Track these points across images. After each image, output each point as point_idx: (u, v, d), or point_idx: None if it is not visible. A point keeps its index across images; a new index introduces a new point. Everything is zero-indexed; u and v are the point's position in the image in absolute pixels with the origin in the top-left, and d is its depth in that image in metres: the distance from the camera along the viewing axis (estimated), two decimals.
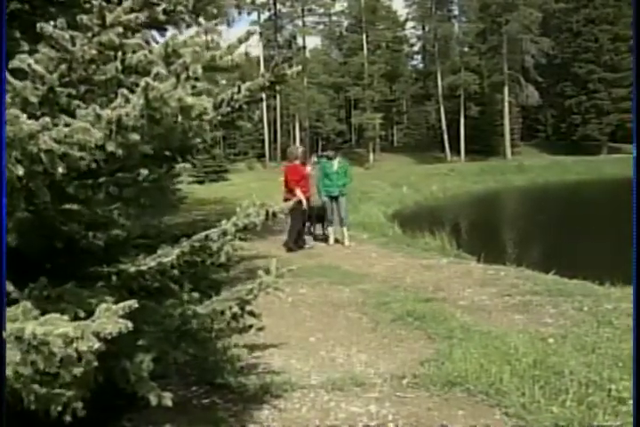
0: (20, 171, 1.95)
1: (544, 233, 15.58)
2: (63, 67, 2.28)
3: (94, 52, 2.29)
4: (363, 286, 6.68)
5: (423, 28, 58.47)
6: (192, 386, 3.77)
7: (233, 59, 3.01)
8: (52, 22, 2.27)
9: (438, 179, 30.83)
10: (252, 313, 3.01)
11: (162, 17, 2.88)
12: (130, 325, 1.87)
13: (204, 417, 3.33)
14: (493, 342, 4.30)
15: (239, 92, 2.89)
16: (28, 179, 2.05)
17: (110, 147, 2.12)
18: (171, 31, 3.21)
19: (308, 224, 10.27)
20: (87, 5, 2.55)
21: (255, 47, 49.62)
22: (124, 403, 3.00)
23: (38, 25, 2.22)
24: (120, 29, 2.34)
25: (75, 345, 1.79)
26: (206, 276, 3.06)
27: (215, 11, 3.45)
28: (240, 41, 3.09)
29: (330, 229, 10.01)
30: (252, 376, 3.89)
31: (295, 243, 9.41)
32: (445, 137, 49.01)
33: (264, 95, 3.18)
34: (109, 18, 2.33)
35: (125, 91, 2.14)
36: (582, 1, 51.87)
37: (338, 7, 55.24)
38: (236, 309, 2.82)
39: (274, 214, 2.71)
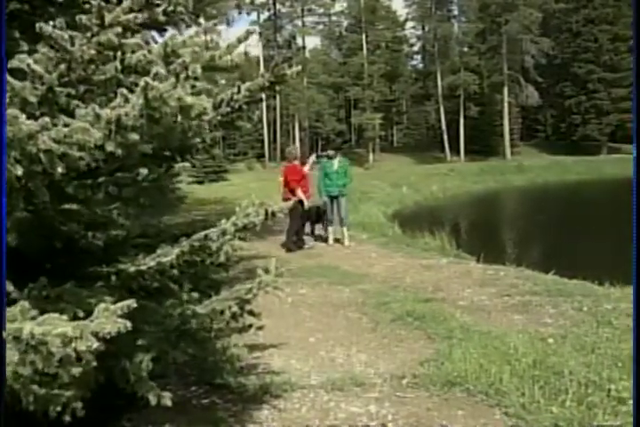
0: (20, 171, 1.94)
1: (544, 233, 15.59)
2: (62, 67, 2.28)
3: (93, 51, 2.29)
4: (362, 286, 6.68)
5: (423, 28, 58.46)
6: (191, 386, 3.77)
7: (232, 59, 3.01)
8: (51, 22, 2.27)
9: (438, 179, 30.84)
10: (251, 313, 3.01)
11: (161, 17, 2.88)
12: (129, 324, 1.87)
13: (204, 417, 3.33)
14: (493, 342, 4.30)
15: (239, 92, 2.89)
16: (27, 179, 2.05)
17: (110, 147, 2.12)
18: (170, 32, 3.21)
19: (308, 224, 10.27)
20: (86, 5, 2.55)
21: (255, 47, 49.73)
22: (123, 403, 3.00)
23: (37, 25, 2.22)
24: (119, 29, 2.34)
25: (73, 345, 1.79)
26: (206, 275, 3.06)
27: (214, 11, 3.46)
28: (239, 41, 3.09)
29: (330, 229, 10.01)
30: (252, 376, 3.89)
31: (294, 243, 9.40)
32: (445, 137, 49.00)
33: (264, 95, 3.18)
34: (108, 18, 2.33)
35: (125, 90, 2.14)
36: (582, 1, 51.86)
37: (337, 7, 55.33)
38: (235, 308, 2.82)
39: (273, 214, 2.71)
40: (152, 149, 2.39)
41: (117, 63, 2.46)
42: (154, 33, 3.30)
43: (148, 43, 2.96)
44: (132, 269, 2.57)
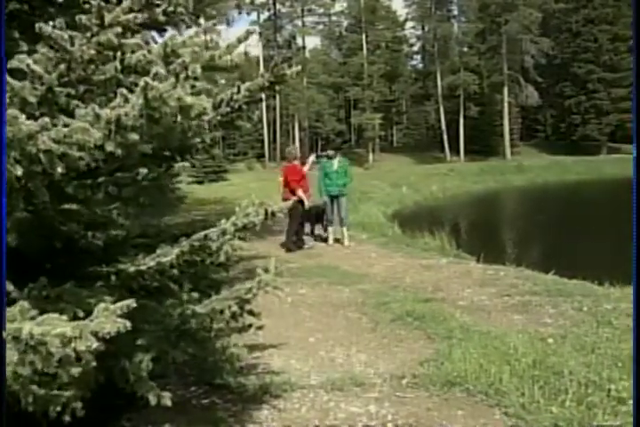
0: (19, 171, 1.94)
1: (543, 233, 15.59)
2: (62, 67, 2.28)
3: (93, 52, 2.29)
4: (362, 286, 6.68)
5: (423, 28, 58.45)
6: (191, 386, 3.77)
7: (232, 58, 3.01)
8: (50, 22, 2.27)
9: (438, 179, 30.84)
10: (251, 312, 3.00)
11: (161, 18, 2.88)
12: (128, 324, 1.87)
13: (204, 417, 3.33)
14: (493, 342, 4.30)
15: (238, 92, 2.89)
16: (26, 179, 2.05)
17: (109, 146, 2.12)
18: (170, 32, 3.21)
19: (308, 224, 10.27)
20: (86, 6, 2.55)
21: (255, 47, 49.71)
22: (123, 403, 3.00)
23: (37, 25, 2.22)
24: (119, 29, 2.34)
25: (73, 345, 1.79)
26: (206, 275, 3.06)
27: (214, 12, 3.46)
28: (239, 41, 3.09)
29: (330, 229, 10.01)
30: (252, 376, 3.89)
31: (294, 243, 9.40)
32: (445, 137, 49.00)
33: (263, 95, 3.18)
34: (108, 18, 2.33)
35: (124, 90, 2.14)
36: (582, 1, 51.86)
37: (337, 7, 55.31)
38: (235, 308, 2.82)
39: (273, 214, 2.71)
40: (152, 149, 2.39)
41: (117, 63, 2.46)
42: (154, 33, 3.31)
43: (147, 43, 2.96)
44: (132, 268, 2.57)
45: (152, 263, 2.56)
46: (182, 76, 2.26)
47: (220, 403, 3.56)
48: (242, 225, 2.68)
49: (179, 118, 2.23)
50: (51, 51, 2.26)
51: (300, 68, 3.04)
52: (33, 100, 2.15)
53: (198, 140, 2.86)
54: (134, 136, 2.14)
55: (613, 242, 11.52)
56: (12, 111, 1.89)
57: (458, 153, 48.46)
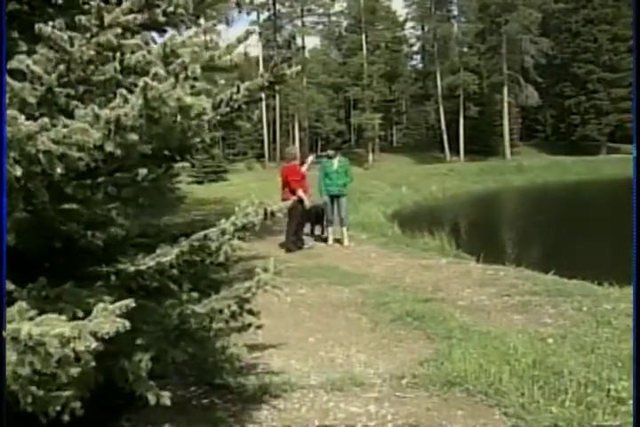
0: (19, 171, 1.95)
1: (543, 233, 15.59)
2: (61, 67, 2.28)
3: (93, 52, 2.29)
4: (362, 286, 6.68)
5: (422, 29, 58.45)
6: (191, 386, 3.77)
7: (232, 59, 3.01)
8: (50, 23, 2.27)
9: (437, 179, 30.85)
10: (250, 312, 3.00)
11: (161, 18, 2.88)
12: (127, 324, 1.87)
13: (203, 417, 3.33)
14: (492, 342, 4.30)
15: (238, 92, 2.89)
16: (26, 179, 2.05)
17: (109, 147, 2.12)
18: (170, 33, 3.21)
19: (308, 224, 10.27)
20: (85, 6, 2.55)
21: (254, 47, 49.73)
22: (122, 403, 3.00)
23: (37, 26, 2.22)
24: (118, 30, 2.34)
25: (72, 345, 1.79)
26: (205, 275, 3.06)
27: (214, 13, 3.46)
28: (239, 41, 3.09)
29: (329, 229, 10.01)
30: (252, 376, 3.89)
31: (294, 243, 9.40)
32: (445, 137, 49.01)
33: (263, 95, 3.18)
34: (108, 19, 2.33)
35: (124, 91, 2.14)
36: (581, 1, 51.87)
37: (337, 7, 55.35)
38: (234, 307, 2.82)
39: (272, 214, 2.71)
40: (151, 150, 2.39)
41: (117, 64, 2.46)
42: (154, 33, 3.30)
43: (147, 43, 2.96)
44: (132, 268, 2.57)
45: (152, 263, 2.56)
46: (182, 76, 2.26)
47: (220, 403, 3.56)
48: (241, 225, 2.68)
49: (178, 118, 2.23)
50: (50, 51, 2.26)
51: (299, 68, 3.04)
52: (32, 100, 2.15)
53: (198, 140, 2.86)
54: (134, 136, 2.15)
55: (613, 242, 11.52)
56: (11, 112, 1.89)
57: (458, 153, 48.47)
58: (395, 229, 12.90)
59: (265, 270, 2.94)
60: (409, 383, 3.79)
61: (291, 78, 3.07)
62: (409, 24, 59.74)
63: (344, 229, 9.81)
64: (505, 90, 48.30)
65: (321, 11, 53.82)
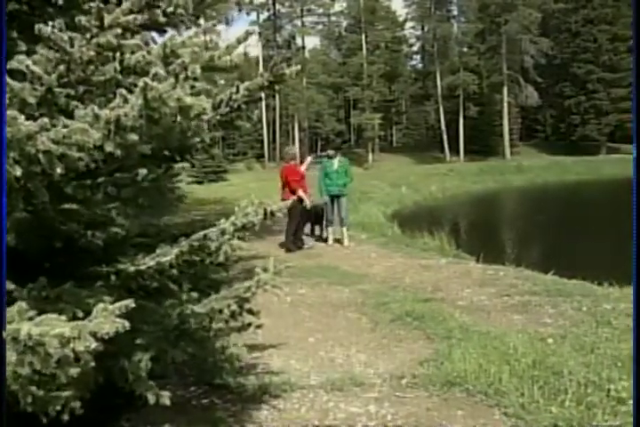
0: (19, 171, 1.95)
1: (543, 233, 15.60)
2: (61, 68, 2.28)
3: (92, 53, 2.29)
4: (362, 286, 6.68)
5: (422, 29, 58.45)
6: (191, 386, 3.77)
7: (232, 59, 3.01)
8: (50, 23, 2.27)
9: (437, 179, 30.85)
10: (250, 311, 3.00)
11: (162, 19, 2.88)
12: (127, 324, 1.87)
13: (203, 417, 3.33)
14: (492, 342, 4.30)
15: (238, 91, 2.89)
16: (26, 179, 2.05)
17: (109, 147, 2.12)
18: (170, 33, 3.21)
19: (308, 224, 10.27)
20: (85, 6, 2.55)
21: (254, 47, 49.73)
22: (122, 403, 3.00)
23: (37, 26, 2.22)
24: (118, 31, 2.34)
25: (71, 346, 1.79)
26: (205, 275, 3.06)
27: (214, 13, 3.46)
28: (239, 41, 3.09)
29: (329, 229, 10.01)
30: (251, 377, 3.89)
31: (294, 243, 9.40)
32: (444, 137, 49.01)
33: (263, 95, 3.18)
34: (108, 19, 2.33)
35: (124, 91, 2.14)
36: (581, 1, 51.87)
37: (337, 7, 55.33)
38: (234, 307, 2.82)
39: (272, 214, 2.71)
40: (151, 150, 2.39)
41: (117, 64, 2.46)
42: (154, 34, 3.30)
43: (147, 43, 2.96)
44: (132, 268, 2.57)
45: (151, 263, 2.56)
46: (182, 76, 2.26)
47: (220, 403, 3.56)
48: (241, 225, 2.68)
49: (178, 119, 2.23)
50: (50, 52, 2.26)
51: (299, 67, 3.04)
52: (32, 100, 2.15)
53: (198, 140, 2.86)
54: (133, 137, 2.15)
55: (613, 242, 11.53)
56: (11, 112, 1.89)
57: (457, 153, 48.47)
58: (394, 229, 12.90)
59: (265, 270, 2.94)
60: (409, 383, 3.79)
61: (290, 78, 3.07)
62: (409, 24, 59.86)
63: (344, 229, 9.81)
64: (505, 90, 48.30)
65: (321, 11, 53.86)
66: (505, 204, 26.85)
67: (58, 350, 1.79)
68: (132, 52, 2.48)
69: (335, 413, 3.41)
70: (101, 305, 1.93)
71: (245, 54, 43.26)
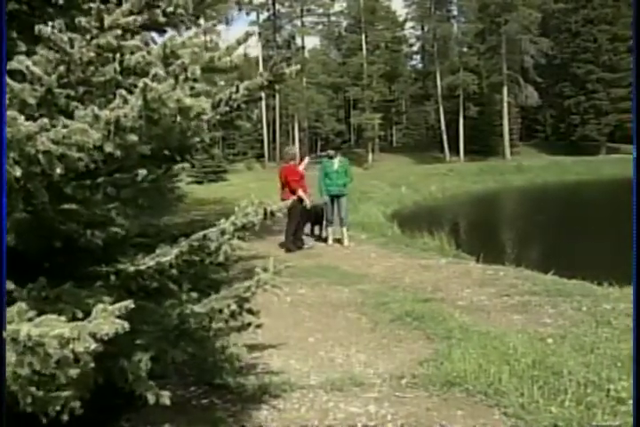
0: (18, 172, 1.95)
1: (543, 233, 15.60)
2: (61, 68, 2.28)
3: (92, 54, 2.30)
4: (362, 286, 6.68)
5: (422, 29, 58.44)
6: (191, 386, 3.78)
7: (232, 60, 3.01)
8: (50, 24, 2.27)
9: (437, 179, 30.86)
10: (250, 311, 3.00)
11: (161, 19, 2.88)
12: (126, 325, 1.87)
13: (203, 417, 3.33)
14: (492, 342, 4.30)
15: (237, 91, 2.89)
16: (25, 180, 2.05)
17: (108, 147, 2.12)
18: (170, 33, 3.21)
19: (308, 224, 10.27)
20: (85, 7, 2.55)
21: (254, 47, 49.70)
22: (122, 403, 3.00)
23: (37, 27, 2.22)
24: (118, 32, 2.34)
25: (71, 346, 1.79)
26: (205, 275, 3.06)
27: (214, 13, 3.46)
28: (239, 42, 3.09)
29: (329, 229, 10.01)
30: (251, 376, 3.89)
31: (293, 243, 9.40)
32: (444, 137, 49.01)
33: (263, 95, 3.18)
34: (108, 20, 2.33)
35: (124, 92, 2.14)
36: (581, 1, 51.86)
37: (337, 7, 55.37)
38: (234, 306, 2.82)
39: (272, 213, 2.71)
40: (151, 150, 2.39)
41: (116, 65, 2.46)
42: (153, 34, 3.30)
43: (147, 44, 2.96)
44: (132, 268, 2.57)
45: (151, 263, 2.56)
46: (182, 77, 2.26)
47: (220, 403, 3.56)
48: (241, 225, 2.68)
49: (178, 119, 2.23)
50: (50, 52, 2.26)
51: (298, 67, 3.04)
52: (32, 101, 2.15)
53: (197, 140, 2.86)
54: (133, 137, 2.15)
55: (613, 242, 11.53)
56: (11, 112, 1.89)
57: (457, 153, 48.46)
58: (394, 229, 12.91)
59: (264, 270, 2.94)
60: (409, 383, 3.79)
61: (290, 78, 3.07)
62: (409, 24, 59.84)
63: (344, 229, 9.81)
64: (505, 90, 48.28)
65: (321, 11, 53.90)
66: (505, 204, 26.86)
67: (57, 350, 1.79)
68: (132, 53, 2.48)
69: (335, 413, 3.41)
70: (101, 306, 1.93)
71: (245, 54, 43.23)
